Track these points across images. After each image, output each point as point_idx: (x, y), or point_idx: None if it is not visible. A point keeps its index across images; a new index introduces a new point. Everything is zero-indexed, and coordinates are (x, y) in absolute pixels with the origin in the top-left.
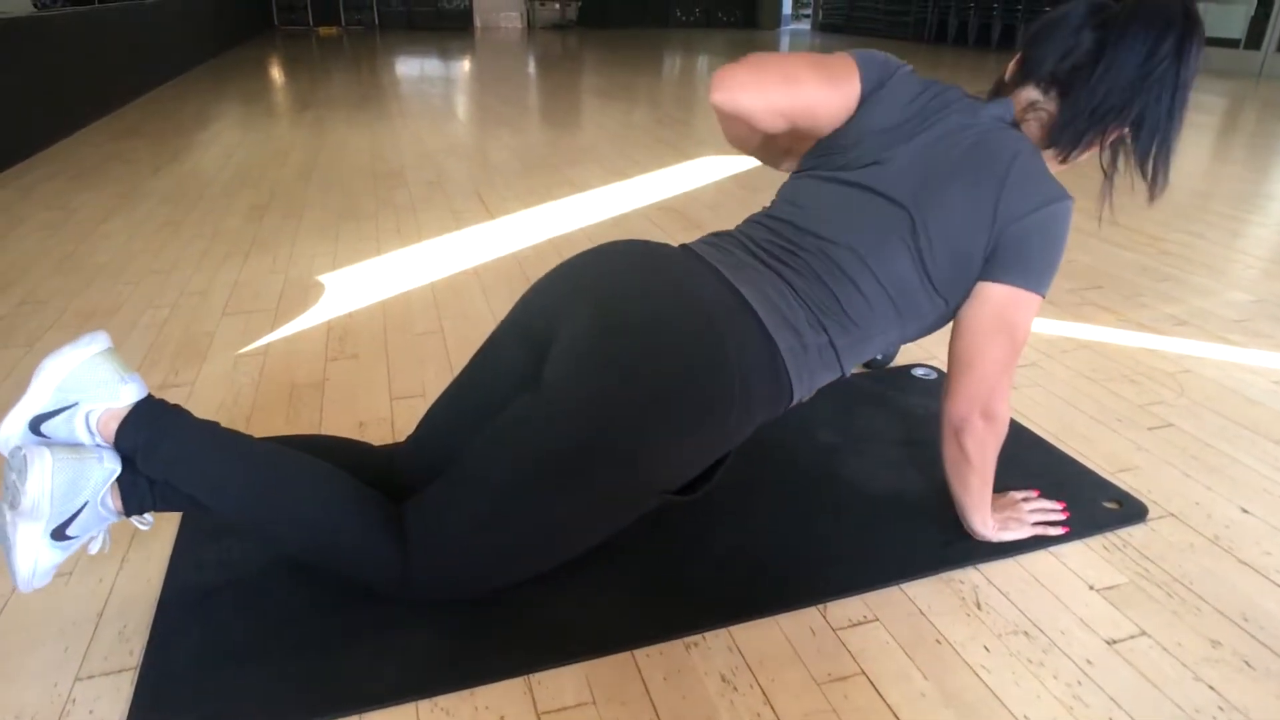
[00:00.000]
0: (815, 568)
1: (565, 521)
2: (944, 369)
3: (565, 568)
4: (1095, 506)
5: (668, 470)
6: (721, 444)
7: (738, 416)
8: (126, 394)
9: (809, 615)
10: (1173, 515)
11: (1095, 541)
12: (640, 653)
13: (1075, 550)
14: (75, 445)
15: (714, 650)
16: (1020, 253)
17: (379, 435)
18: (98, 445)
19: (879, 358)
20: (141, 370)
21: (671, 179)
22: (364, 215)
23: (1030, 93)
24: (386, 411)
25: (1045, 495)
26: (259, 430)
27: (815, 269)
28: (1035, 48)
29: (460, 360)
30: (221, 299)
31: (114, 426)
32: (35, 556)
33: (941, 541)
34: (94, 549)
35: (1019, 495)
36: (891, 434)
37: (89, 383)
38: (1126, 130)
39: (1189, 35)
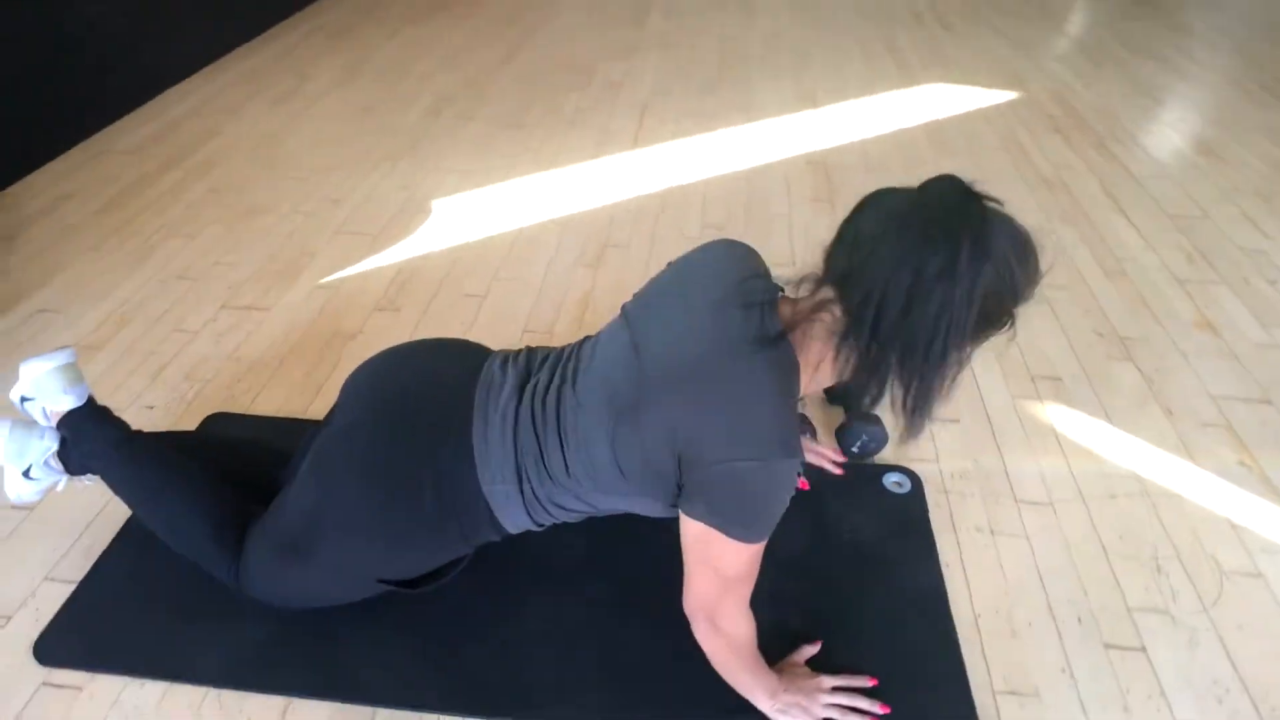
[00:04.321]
0: (574, 692)
1: (308, 582)
2: (917, 473)
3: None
4: None
5: (376, 566)
6: (428, 558)
7: (440, 541)
8: (64, 403)
9: None
10: None
11: None
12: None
13: None
14: (33, 422)
15: None
16: (709, 498)
17: None
18: (46, 427)
19: (855, 450)
20: (240, 289)
21: (863, 115)
22: (524, 124)
23: (826, 290)
24: None
25: (884, 692)
26: (272, 379)
27: (556, 427)
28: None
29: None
30: (342, 215)
31: (59, 418)
32: (16, 486)
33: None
34: (60, 489)
35: (829, 682)
36: (807, 550)
37: (44, 387)
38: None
39: (971, 253)
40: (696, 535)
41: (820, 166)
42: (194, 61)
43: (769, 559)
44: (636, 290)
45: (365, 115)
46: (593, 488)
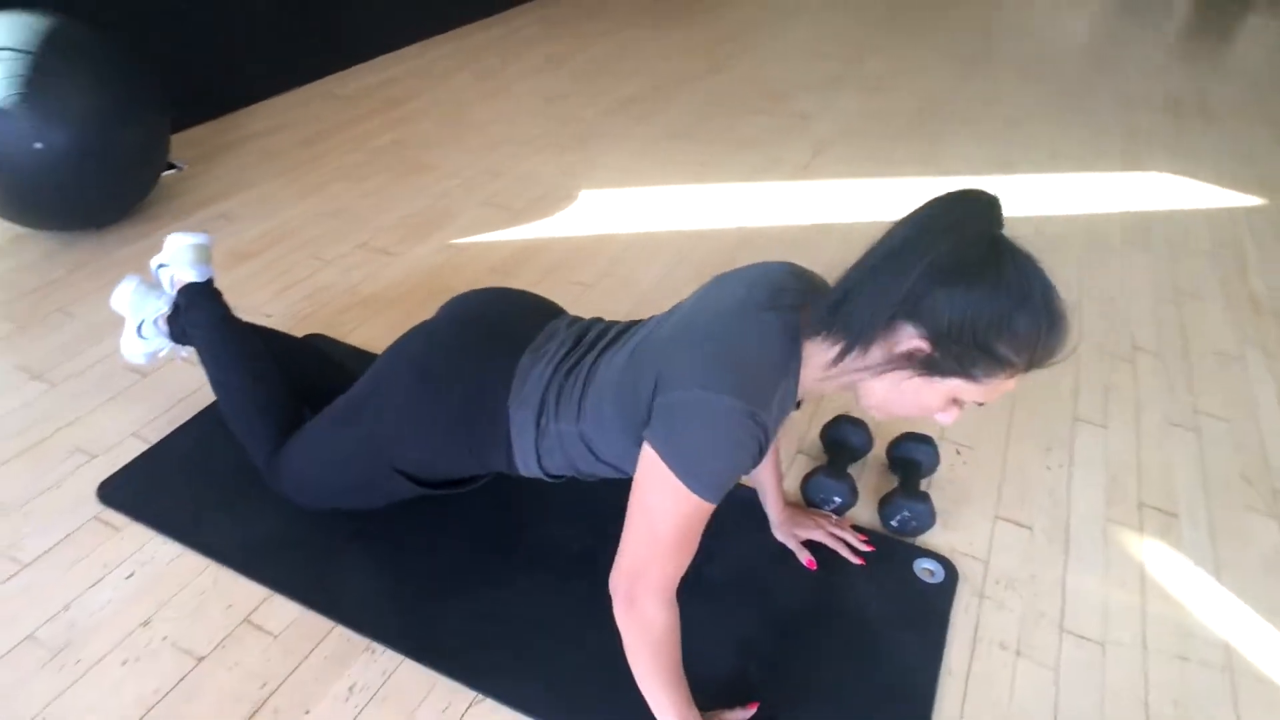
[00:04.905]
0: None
1: (337, 460)
2: (956, 567)
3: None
4: None
5: (395, 448)
6: (438, 458)
7: (450, 441)
8: (189, 275)
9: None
10: None
11: None
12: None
13: None
14: (156, 285)
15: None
16: (669, 422)
17: None
18: (166, 292)
19: (894, 524)
20: (380, 233)
21: (1059, 190)
22: (695, 136)
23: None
24: None
25: None
26: (374, 316)
27: (586, 376)
28: None
29: None
30: (495, 187)
31: (180, 286)
32: (130, 343)
33: None
34: (162, 356)
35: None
36: (802, 607)
37: (178, 258)
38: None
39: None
40: (644, 470)
41: None
42: (426, 29)
43: (758, 597)
44: None
45: (551, 103)
46: (593, 428)
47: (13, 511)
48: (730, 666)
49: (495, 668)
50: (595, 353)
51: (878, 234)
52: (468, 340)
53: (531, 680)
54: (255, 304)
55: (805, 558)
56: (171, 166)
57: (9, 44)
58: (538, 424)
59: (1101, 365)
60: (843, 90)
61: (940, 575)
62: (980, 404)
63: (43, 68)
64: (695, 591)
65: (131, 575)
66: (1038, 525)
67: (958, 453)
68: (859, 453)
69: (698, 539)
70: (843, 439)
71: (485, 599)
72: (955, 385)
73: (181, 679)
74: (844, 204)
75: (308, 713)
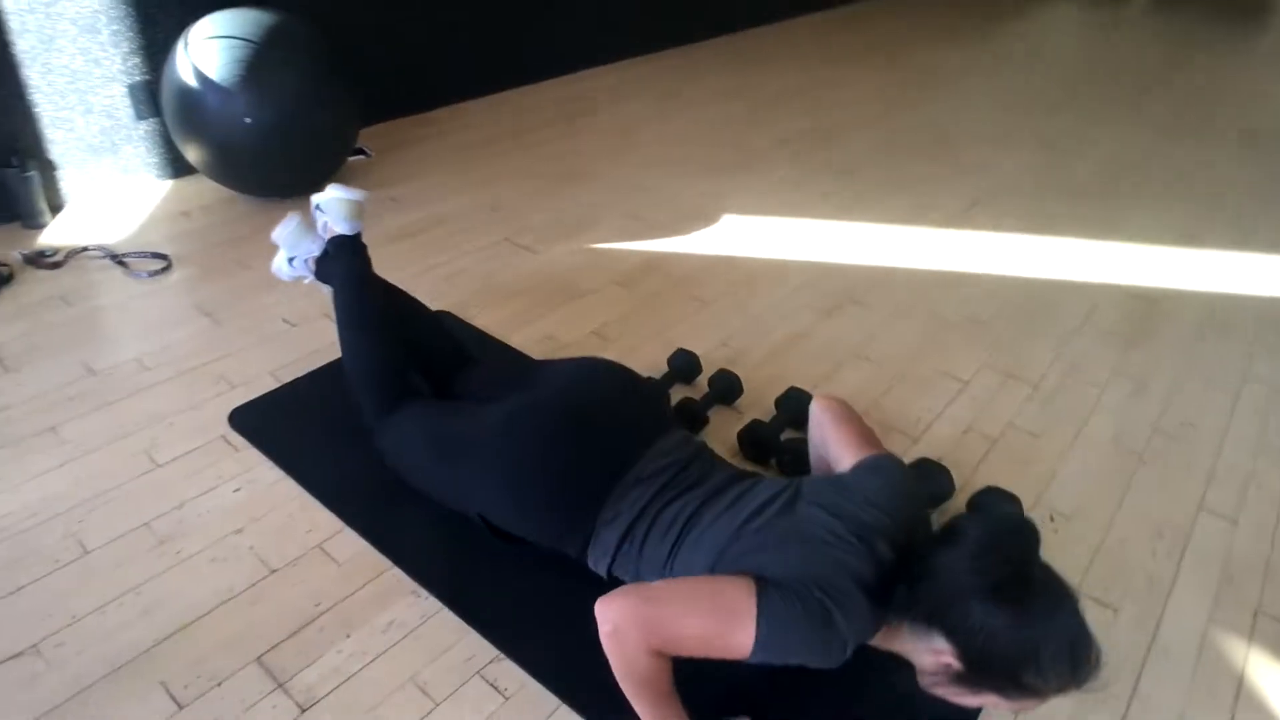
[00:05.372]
0: None
1: (431, 476)
2: None
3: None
4: None
5: (484, 506)
6: (518, 526)
7: (534, 523)
8: (341, 227)
9: None
10: None
11: None
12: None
13: None
14: (313, 227)
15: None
16: (794, 601)
17: (542, 351)
18: (319, 236)
19: None
20: (524, 231)
21: (1243, 270)
22: (852, 172)
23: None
24: (570, 337)
25: None
26: (501, 303)
27: (680, 530)
28: None
29: (675, 332)
30: (641, 201)
31: (332, 235)
32: (280, 264)
33: None
34: (305, 284)
35: None
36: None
37: (334, 209)
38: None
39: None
40: (735, 589)
41: (1144, 302)
42: (612, 54)
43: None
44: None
45: (720, 129)
46: (681, 568)
47: (160, 420)
48: (732, 678)
49: (520, 634)
50: (697, 497)
51: (1026, 289)
52: (582, 440)
53: (549, 650)
54: (401, 277)
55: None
56: (360, 152)
57: (236, 33)
58: (619, 545)
59: (1249, 457)
60: (1018, 145)
61: None
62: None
63: (260, 55)
64: None
65: (238, 490)
66: (1125, 610)
67: (1051, 520)
68: (938, 498)
69: (709, 655)
70: (925, 485)
71: (527, 572)
72: (987, 698)
73: (253, 584)
74: (993, 257)
75: (348, 636)
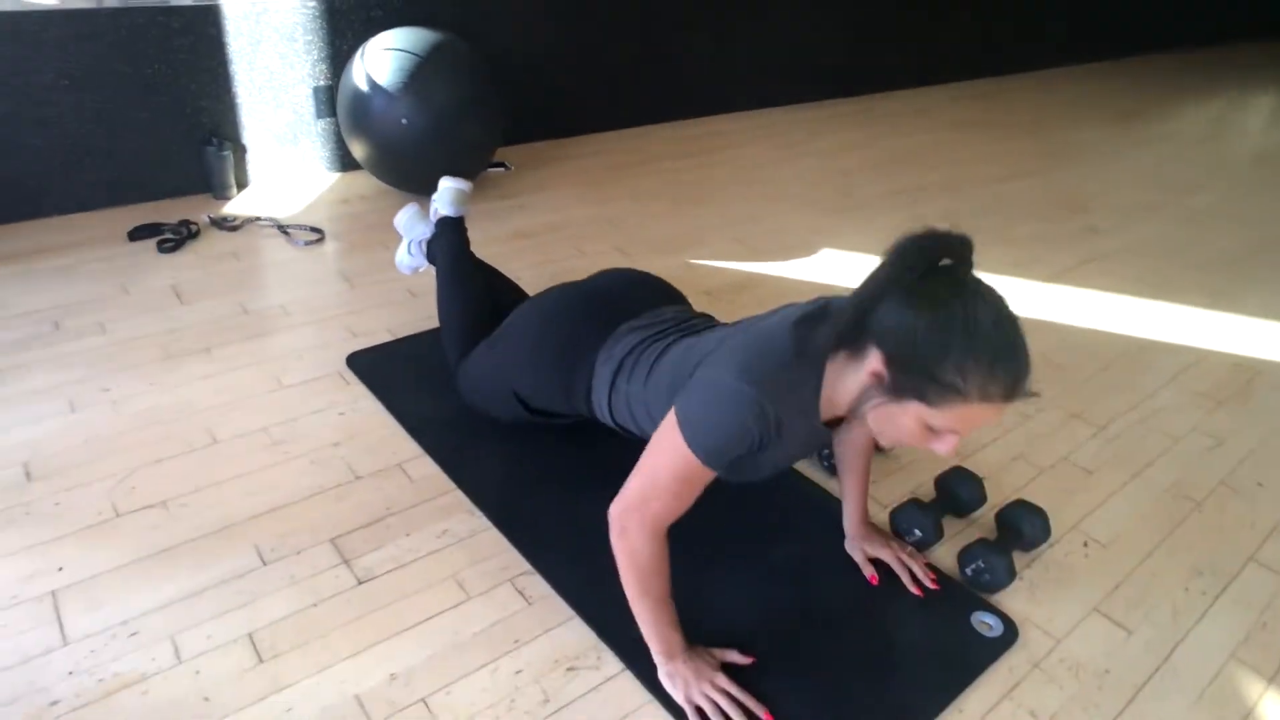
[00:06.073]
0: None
1: (483, 376)
2: (1021, 633)
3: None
4: None
5: (512, 374)
6: (538, 392)
7: (545, 378)
8: (446, 211)
9: None
10: None
11: None
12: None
13: None
14: (425, 215)
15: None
16: (690, 388)
17: None
18: (430, 222)
19: (968, 573)
20: (634, 244)
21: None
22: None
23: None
24: None
25: None
26: None
27: (662, 354)
28: None
29: None
30: (746, 229)
31: (439, 218)
32: (401, 256)
33: None
34: (420, 270)
35: (725, 681)
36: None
37: (443, 198)
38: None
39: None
40: (663, 426)
41: (1246, 372)
42: (753, 101)
43: (803, 584)
44: None
45: (834, 177)
46: (652, 394)
47: (292, 353)
48: (745, 626)
49: (550, 555)
50: (678, 334)
51: (1118, 344)
52: (589, 303)
53: (571, 570)
54: (513, 270)
55: (869, 573)
56: (500, 165)
57: (405, 47)
58: (613, 380)
59: None
60: (1149, 216)
61: (998, 631)
62: (958, 433)
63: (423, 67)
64: (751, 561)
65: (343, 414)
66: (1141, 633)
67: (1085, 544)
68: (966, 507)
69: (692, 495)
70: (953, 490)
71: (565, 505)
72: (917, 409)
73: (340, 485)
74: (1090, 313)
75: (408, 535)
